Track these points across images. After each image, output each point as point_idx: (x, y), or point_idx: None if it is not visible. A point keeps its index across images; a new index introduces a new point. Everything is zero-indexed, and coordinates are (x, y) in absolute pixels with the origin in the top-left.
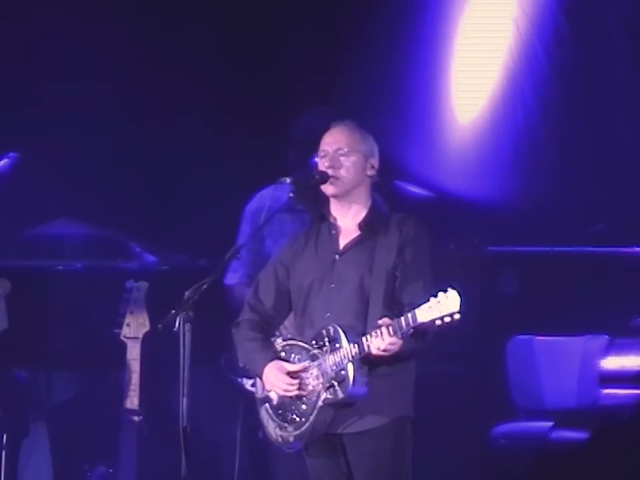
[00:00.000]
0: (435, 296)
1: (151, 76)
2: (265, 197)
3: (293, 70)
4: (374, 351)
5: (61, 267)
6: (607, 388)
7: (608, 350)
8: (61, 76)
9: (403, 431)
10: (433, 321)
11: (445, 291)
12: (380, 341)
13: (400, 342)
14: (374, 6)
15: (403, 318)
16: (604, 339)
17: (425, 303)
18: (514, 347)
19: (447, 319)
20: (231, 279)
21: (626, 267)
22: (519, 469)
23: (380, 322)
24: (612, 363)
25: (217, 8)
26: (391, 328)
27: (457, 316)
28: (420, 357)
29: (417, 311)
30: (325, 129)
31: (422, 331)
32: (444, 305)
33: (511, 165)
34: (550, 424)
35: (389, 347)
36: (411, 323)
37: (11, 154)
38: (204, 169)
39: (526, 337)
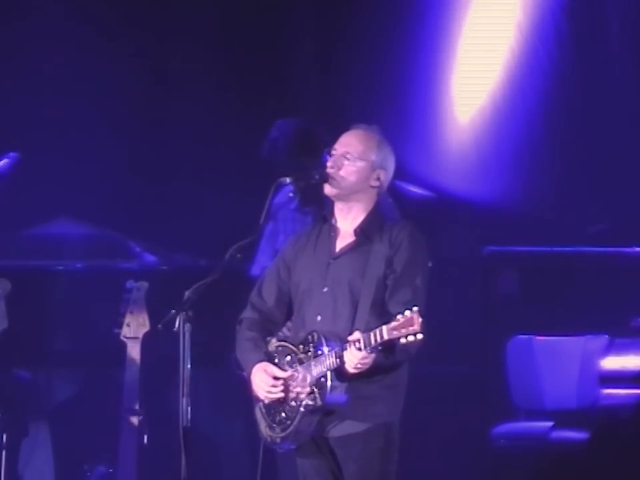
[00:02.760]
0: (403, 314)
1: (151, 76)
2: (286, 192)
3: (294, 70)
4: (347, 368)
5: (61, 267)
6: (607, 388)
7: (608, 350)
8: (60, 76)
9: (390, 435)
10: (398, 338)
11: (411, 310)
12: (350, 356)
13: (371, 357)
14: (375, 6)
15: (372, 333)
16: (604, 338)
17: (392, 320)
18: (514, 347)
19: (411, 338)
20: (256, 270)
21: (626, 267)
22: (519, 468)
23: (350, 338)
24: (612, 362)
25: (216, 10)
26: (361, 342)
27: (419, 336)
28: (420, 357)
29: (384, 327)
30: (287, 141)
31: (394, 347)
32: (407, 325)
33: (511, 165)
34: (550, 424)
35: (362, 362)
36: (379, 339)
37: (11, 154)
38: (204, 169)
39: (526, 337)
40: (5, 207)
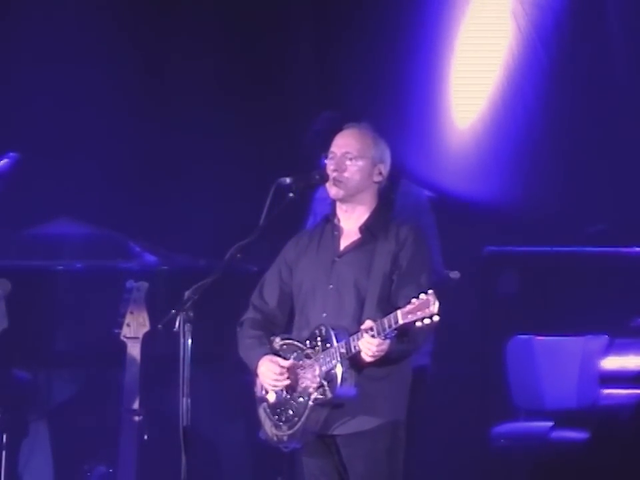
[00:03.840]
0: (417, 297)
1: (152, 77)
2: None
3: (294, 71)
4: (363, 357)
5: (60, 267)
6: (607, 388)
7: (608, 350)
8: (60, 75)
9: (396, 433)
10: (414, 322)
11: (426, 293)
12: (366, 344)
13: (386, 343)
14: (374, 7)
15: (385, 319)
16: (604, 338)
17: (407, 304)
18: (514, 347)
19: (427, 321)
20: None
21: (626, 266)
22: (519, 468)
23: (363, 326)
24: (612, 362)
25: (217, 10)
26: (374, 329)
27: (435, 318)
28: None
29: (398, 312)
30: (331, 133)
31: (408, 332)
32: (423, 307)
33: (511, 165)
34: (550, 424)
35: (377, 349)
36: (393, 324)
37: (11, 154)
38: (204, 169)
39: (526, 336)
40: (5, 206)
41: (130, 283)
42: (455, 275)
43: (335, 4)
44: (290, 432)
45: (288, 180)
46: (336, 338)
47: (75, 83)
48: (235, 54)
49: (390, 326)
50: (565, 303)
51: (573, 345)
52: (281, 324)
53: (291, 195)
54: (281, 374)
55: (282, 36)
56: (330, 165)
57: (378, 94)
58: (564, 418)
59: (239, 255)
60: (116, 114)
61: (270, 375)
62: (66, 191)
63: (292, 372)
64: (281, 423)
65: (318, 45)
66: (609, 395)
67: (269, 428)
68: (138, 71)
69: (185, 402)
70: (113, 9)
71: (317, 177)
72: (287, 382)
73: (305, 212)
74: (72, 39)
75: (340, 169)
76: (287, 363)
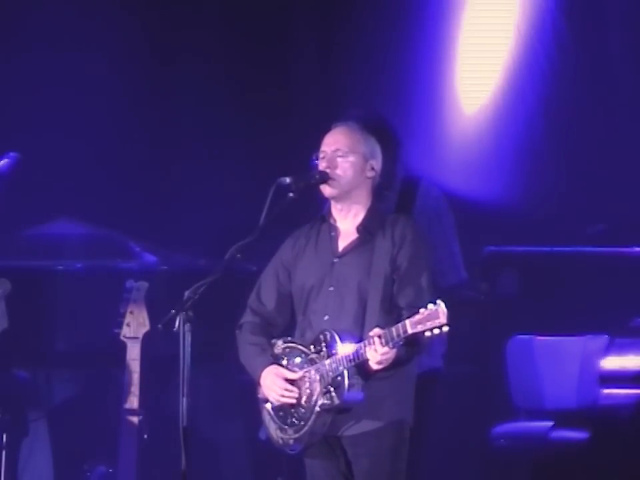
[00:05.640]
0: (426, 307)
1: (152, 75)
2: None
3: (295, 68)
4: (371, 365)
5: (60, 267)
6: (607, 388)
7: (608, 350)
8: (60, 75)
9: (401, 433)
10: (423, 332)
11: (435, 303)
12: (373, 353)
13: (393, 351)
14: (377, 2)
15: (394, 328)
16: (604, 338)
17: (415, 313)
18: (514, 347)
19: (436, 331)
20: None
21: (626, 266)
22: (519, 469)
23: (371, 333)
24: (612, 362)
25: (222, 7)
26: (382, 338)
27: (445, 329)
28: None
29: (407, 321)
30: None
31: (416, 341)
32: (432, 318)
33: (511, 166)
34: (550, 424)
35: (383, 358)
36: (402, 334)
37: (11, 154)
38: (204, 168)
39: (526, 337)
40: (5, 206)
41: (130, 283)
42: (483, 287)
43: (336, 2)
44: (296, 436)
45: (288, 180)
46: (342, 344)
47: (75, 83)
48: (238, 54)
49: (398, 335)
50: (565, 302)
51: (573, 344)
52: (281, 326)
53: (291, 194)
54: (287, 389)
55: (284, 36)
56: (322, 164)
57: (380, 92)
58: (564, 418)
59: (238, 255)
60: (117, 114)
61: (276, 389)
62: (66, 191)
63: (297, 380)
64: (287, 427)
65: (321, 38)
66: (609, 395)
67: (273, 430)
68: (140, 71)
69: (184, 402)
70: (114, 5)
71: (317, 176)
72: (294, 398)
73: (304, 212)
74: (72, 39)
75: (332, 166)
76: (292, 376)
